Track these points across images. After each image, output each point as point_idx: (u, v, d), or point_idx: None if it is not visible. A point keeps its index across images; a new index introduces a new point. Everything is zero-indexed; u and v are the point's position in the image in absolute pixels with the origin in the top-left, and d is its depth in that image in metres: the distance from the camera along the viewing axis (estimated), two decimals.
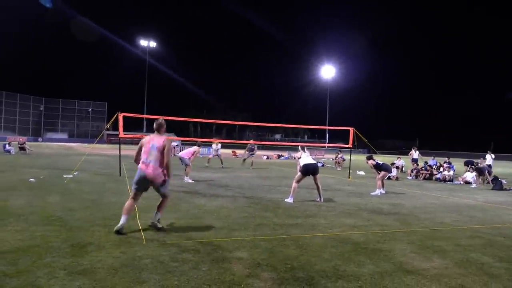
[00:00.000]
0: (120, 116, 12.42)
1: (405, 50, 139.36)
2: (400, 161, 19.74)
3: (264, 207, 7.30)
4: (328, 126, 59.12)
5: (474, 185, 14.15)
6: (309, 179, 8.54)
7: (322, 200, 8.35)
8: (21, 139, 29.26)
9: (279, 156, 33.12)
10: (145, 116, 35.99)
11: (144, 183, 4.93)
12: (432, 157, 20.19)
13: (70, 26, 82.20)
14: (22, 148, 23.64)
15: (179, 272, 3.52)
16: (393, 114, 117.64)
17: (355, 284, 3.42)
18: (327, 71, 71.34)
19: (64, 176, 11.22)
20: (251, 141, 20.53)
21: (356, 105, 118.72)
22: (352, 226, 5.92)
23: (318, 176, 8.40)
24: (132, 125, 56.30)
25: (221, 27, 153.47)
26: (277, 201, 8.11)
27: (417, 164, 18.02)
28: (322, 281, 3.46)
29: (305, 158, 8.45)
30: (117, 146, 19.26)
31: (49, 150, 31.23)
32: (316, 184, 8.44)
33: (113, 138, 64.85)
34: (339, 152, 23.80)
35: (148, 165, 4.88)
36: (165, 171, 5.00)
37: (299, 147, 8.98)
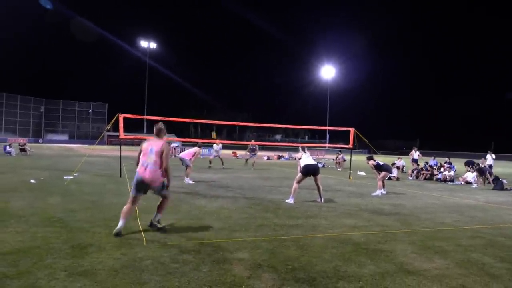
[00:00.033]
0: (121, 117, 12.43)
1: (405, 50, 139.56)
2: (401, 161, 19.73)
3: (265, 208, 7.29)
4: (329, 126, 59.10)
5: (474, 185, 14.13)
6: (309, 180, 8.53)
7: (322, 200, 8.35)
8: (21, 141, 29.32)
9: (279, 157, 33.10)
10: (145, 117, 36.08)
11: (142, 187, 4.96)
12: (433, 157, 20.19)
13: (70, 26, 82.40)
14: (22, 150, 23.65)
15: (179, 273, 3.52)
16: (393, 114, 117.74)
17: (356, 285, 3.42)
18: (327, 71, 71.42)
19: (65, 177, 11.23)
20: (253, 142, 20.49)
21: (356, 105, 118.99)
22: (353, 227, 5.92)
23: (318, 176, 8.40)
24: (132, 126, 56.37)
25: (221, 27, 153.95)
26: (278, 202, 8.10)
27: (417, 165, 18.01)
28: (323, 282, 3.45)
29: (306, 158, 8.45)
30: (118, 147, 19.29)
31: (49, 152, 31.25)
32: (317, 184, 8.43)
33: (114, 139, 64.82)
34: (339, 153, 23.80)
35: (146, 169, 4.91)
36: (164, 174, 5.02)
37: (300, 148, 8.98)
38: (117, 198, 7.64)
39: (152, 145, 5.03)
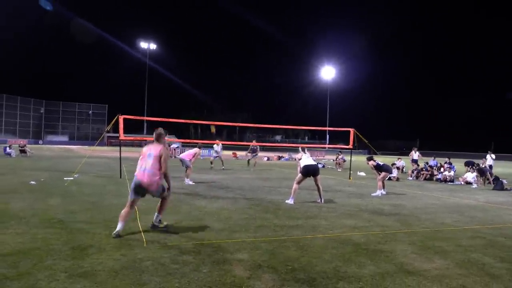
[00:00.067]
0: (121, 119, 12.43)
1: (405, 51, 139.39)
2: (401, 161, 19.73)
3: (265, 209, 7.30)
4: (329, 127, 59.11)
5: (475, 186, 14.14)
6: (309, 180, 8.53)
7: (322, 201, 8.35)
8: (21, 142, 29.34)
9: (279, 157, 33.10)
10: (145, 118, 36.06)
11: (140, 190, 5.00)
12: (433, 158, 20.19)
13: (70, 28, 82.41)
14: (22, 151, 23.65)
15: (179, 274, 3.52)
16: (393, 115, 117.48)
17: (356, 285, 3.42)
18: (327, 72, 71.39)
19: (65, 178, 11.23)
20: (254, 142, 20.44)
21: (356, 106, 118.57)
22: (353, 227, 5.92)
23: (318, 177, 8.40)
24: (132, 127, 56.44)
25: (221, 28, 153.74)
26: (278, 203, 8.11)
27: (417, 165, 18.01)
28: (323, 282, 3.46)
29: (306, 159, 8.45)
30: (118, 148, 19.29)
31: (49, 153, 31.25)
32: (317, 185, 8.43)
33: (114, 140, 64.84)
34: (339, 153, 23.80)
35: (144, 173, 4.96)
36: (162, 178, 5.06)
37: (300, 148, 8.98)
38: (117, 199, 7.64)
39: (151, 150, 5.10)
